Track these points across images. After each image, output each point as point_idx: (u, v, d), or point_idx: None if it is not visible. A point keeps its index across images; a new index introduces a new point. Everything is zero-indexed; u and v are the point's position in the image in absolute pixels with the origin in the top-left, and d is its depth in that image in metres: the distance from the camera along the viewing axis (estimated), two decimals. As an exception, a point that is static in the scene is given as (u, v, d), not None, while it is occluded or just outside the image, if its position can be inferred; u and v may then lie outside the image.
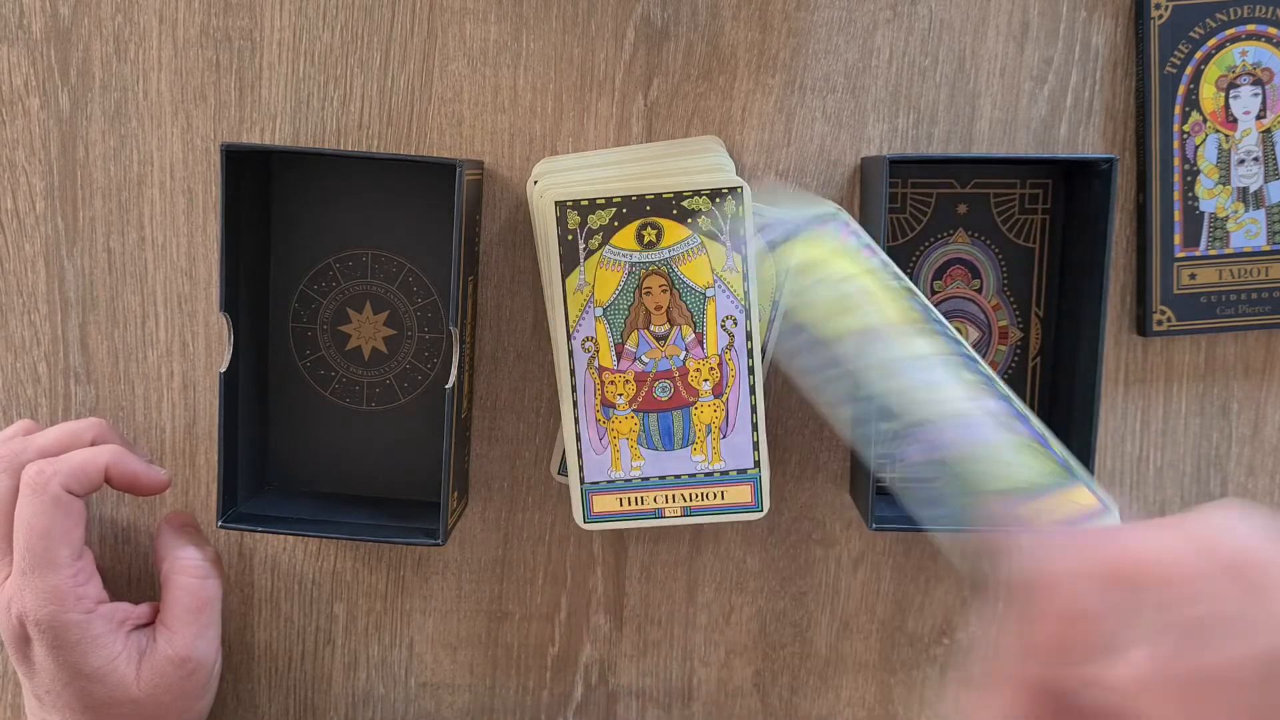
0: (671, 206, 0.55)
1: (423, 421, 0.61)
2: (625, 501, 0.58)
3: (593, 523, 0.58)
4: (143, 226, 0.62)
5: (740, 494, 0.58)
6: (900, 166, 0.60)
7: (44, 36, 0.61)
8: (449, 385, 0.56)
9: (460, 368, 0.57)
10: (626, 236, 0.55)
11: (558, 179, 0.58)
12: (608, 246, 0.55)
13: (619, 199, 0.55)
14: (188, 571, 0.58)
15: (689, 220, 0.55)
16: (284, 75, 0.61)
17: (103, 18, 0.61)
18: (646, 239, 0.55)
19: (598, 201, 0.55)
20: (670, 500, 0.57)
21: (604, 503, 0.58)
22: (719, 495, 0.58)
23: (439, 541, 0.57)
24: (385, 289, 0.61)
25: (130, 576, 0.64)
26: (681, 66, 0.61)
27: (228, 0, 0.61)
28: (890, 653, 0.64)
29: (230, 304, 0.57)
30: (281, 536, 0.64)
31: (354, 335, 0.62)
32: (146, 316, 0.63)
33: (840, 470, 0.63)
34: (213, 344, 0.63)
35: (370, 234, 0.61)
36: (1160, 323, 0.61)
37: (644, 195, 0.55)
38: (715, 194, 0.55)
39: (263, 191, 0.60)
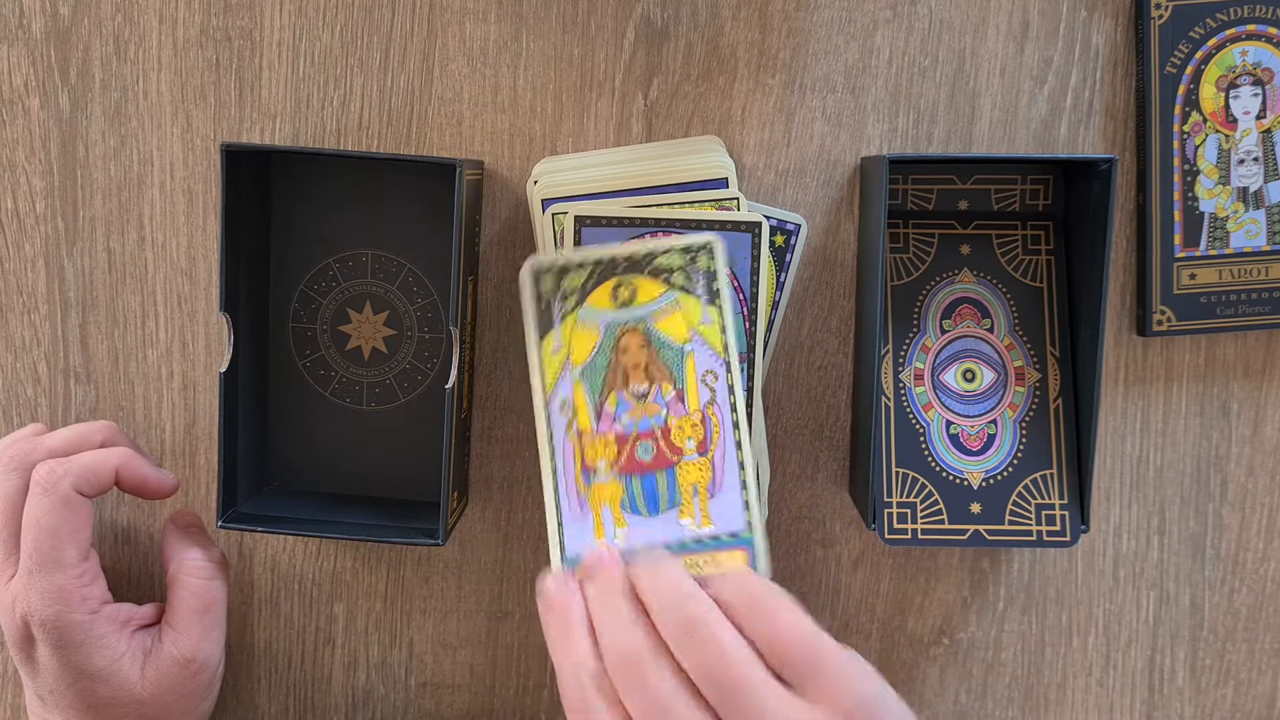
0: (643, 266, 0.53)
1: (423, 421, 0.62)
2: None
3: None
4: (143, 226, 0.62)
5: (734, 560, 0.52)
6: (900, 166, 0.60)
7: (44, 36, 0.61)
8: (449, 385, 0.56)
9: (460, 368, 0.57)
10: (601, 296, 0.53)
11: (558, 179, 0.58)
12: (583, 307, 0.53)
13: (591, 263, 0.53)
14: (194, 572, 0.58)
15: (662, 277, 0.53)
16: (284, 75, 0.61)
17: (103, 18, 0.61)
18: (621, 298, 0.53)
19: (571, 266, 0.53)
20: None
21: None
22: (713, 563, 0.52)
23: (439, 541, 0.57)
24: (385, 289, 0.61)
25: (130, 577, 0.64)
26: (681, 66, 0.61)
27: (228, 0, 0.61)
28: (890, 653, 0.64)
29: (230, 304, 0.57)
30: (281, 536, 0.64)
31: (354, 335, 0.62)
32: (146, 316, 0.63)
33: (840, 470, 0.63)
34: (213, 344, 0.63)
35: (370, 234, 0.61)
36: (1160, 323, 0.61)
37: (616, 258, 0.53)
38: (687, 250, 0.53)
39: (263, 191, 0.60)
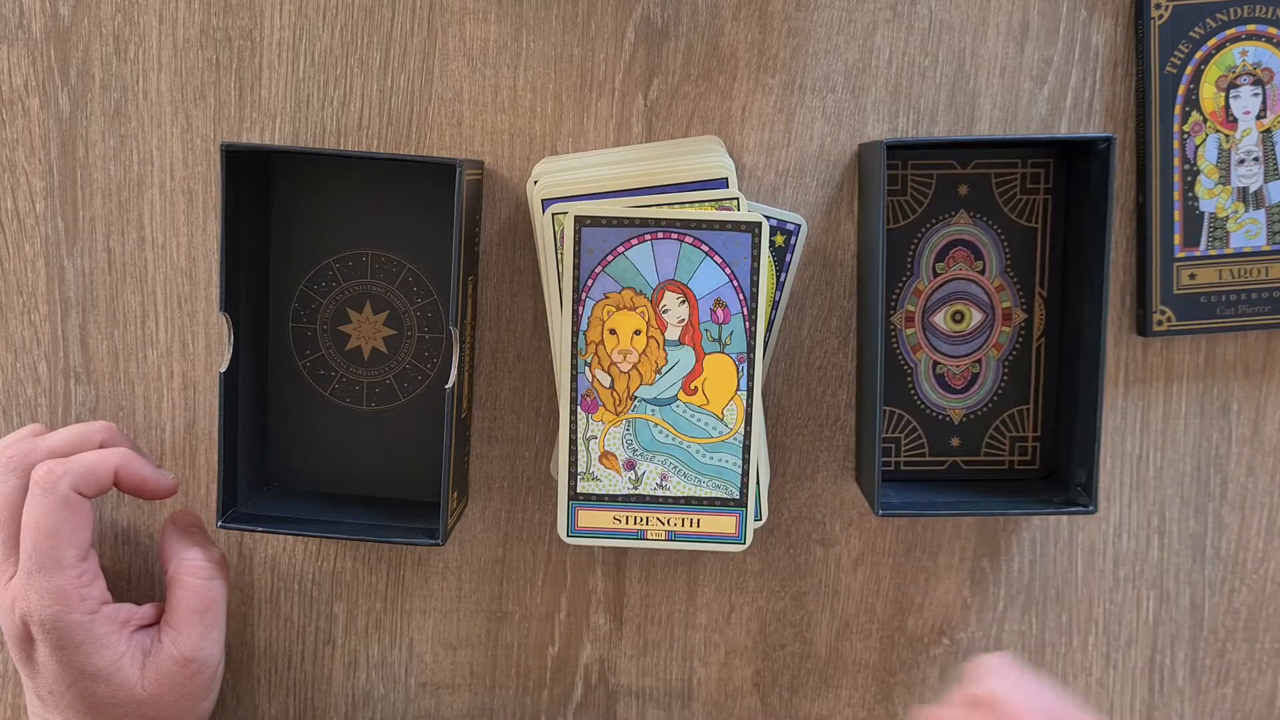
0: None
1: (423, 421, 0.61)
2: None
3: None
4: (143, 226, 0.62)
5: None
6: (900, 152, 0.60)
7: (44, 36, 0.61)
8: (449, 385, 0.56)
9: (460, 368, 0.57)
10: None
11: (558, 179, 0.58)
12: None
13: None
14: (194, 572, 0.58)
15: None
16: (284, 75, 0.61)
17: (103, 18, 0.61)
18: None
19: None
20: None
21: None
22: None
23: (439, 541, 0.57)
24: (385, 289, 0.61)
25: (130, 577, 0.64)
26: (681, 66, 0.61)
27: (227, 0, 0.61)
28: (890, 653, 0.64)
29: (230, 304, 0.57)
30: (281, 536, 0.64)
31: (354, 335, 0.62)
32: (146, 316, 0.63)
33: (840, 470, 0.63)
34: (213, 344, 0.63)
35: (370, 234, 0.61)
36: (1160, 323, 0.61)
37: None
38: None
39: (263, 191, 0.60)
